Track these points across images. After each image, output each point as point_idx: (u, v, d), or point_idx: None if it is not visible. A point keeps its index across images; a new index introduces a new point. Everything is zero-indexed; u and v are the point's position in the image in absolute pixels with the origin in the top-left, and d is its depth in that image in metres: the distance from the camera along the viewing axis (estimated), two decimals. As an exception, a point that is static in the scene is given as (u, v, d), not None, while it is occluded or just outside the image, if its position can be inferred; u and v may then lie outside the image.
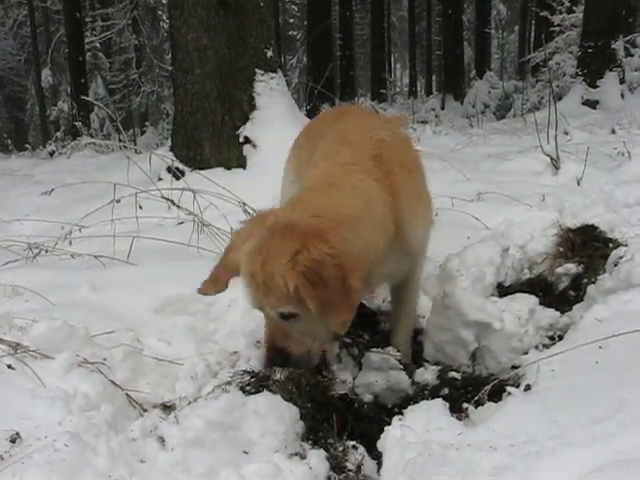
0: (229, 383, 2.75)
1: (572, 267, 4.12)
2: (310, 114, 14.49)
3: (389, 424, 2.51)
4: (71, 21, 23.54)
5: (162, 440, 2.40)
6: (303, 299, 2.51)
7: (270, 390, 2.65)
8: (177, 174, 7.24)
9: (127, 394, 2.83)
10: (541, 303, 3.60)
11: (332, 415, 2.74)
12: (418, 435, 2.33)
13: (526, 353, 3.27)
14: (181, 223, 5.45)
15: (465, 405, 2.76)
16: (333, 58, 28.35)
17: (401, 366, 3.25)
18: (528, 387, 2.50)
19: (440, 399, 2.65)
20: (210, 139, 7.49)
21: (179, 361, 3.11)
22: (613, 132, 10.37)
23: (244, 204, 5.06)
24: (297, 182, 3.51)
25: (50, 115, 29.44)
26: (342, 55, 30.14)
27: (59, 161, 13.68)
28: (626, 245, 3.94)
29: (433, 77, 42.46)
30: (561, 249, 4.35)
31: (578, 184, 6.15)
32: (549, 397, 2.31)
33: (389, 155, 2.99)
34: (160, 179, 7.30)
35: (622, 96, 16.47)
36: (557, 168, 6.54)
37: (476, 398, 2.70)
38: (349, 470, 2.48)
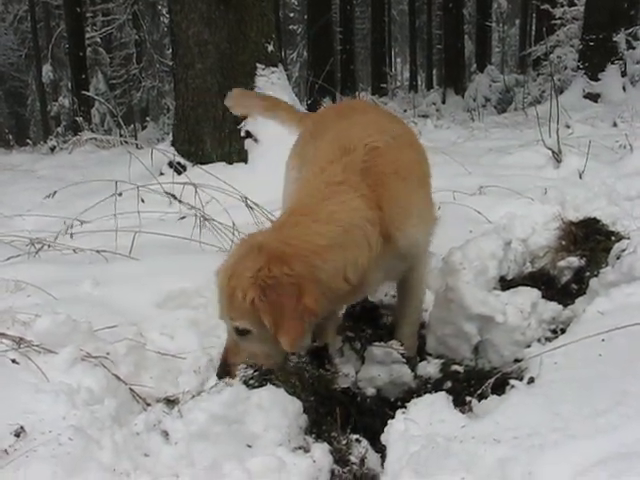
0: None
1: (574, 260, 4.12)
2: (311, 108, 14.49)
3: (392, 418, 2.51)
4: (71, 16, 23.50)
5: (166, 434, 2.40)
6: (259, 314, 2.62)
7: (273, 384, 2.65)
8: (179, 169, 7.25)
9: (130, 388, 2.84)
10: (543, 296, 3.59)
11: (335, 409, 2.75)
12: (422, 428, 2.34)
13: (529, 346, 3.27)
14: (183, 218, 5.45)
15: (468, 398, 2.76)
16: (334, 52, 28.32)
17: (404, 360, 3.25)
18: (531, 380, 2.51)
19: (443, 392, 2.65)
20: (211, 134, 7.50)
21: (182, 355, 3.12)
22: (615, 125, 10.34)
23: (246, 198, 5.05)
24: (300, 179, 3.51)
25: (51, 110, 29.41)
26: (343, 49, 30.09)
27: (60, 156, 13.67)
28: (628, 238, 3.94)
29: (434, 71, 42.37)
30: (563, 242, 4.35)
31: (580, 177, 6.14)
32: (552, 390, 2.32)
33: (380, 164, 3.00)
34: (162, 174, 7.31)
35: (624, 89, 16.41)
36: (559, 161, 6.53)
37: (479, 391, 2.70)
38: (353, 463, 2.49)
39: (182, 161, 7.49)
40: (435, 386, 3.16)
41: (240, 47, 7.47)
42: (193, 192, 5.29)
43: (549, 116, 7.20)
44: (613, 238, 4.21)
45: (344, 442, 2.58)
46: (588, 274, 3.97)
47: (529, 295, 3.50)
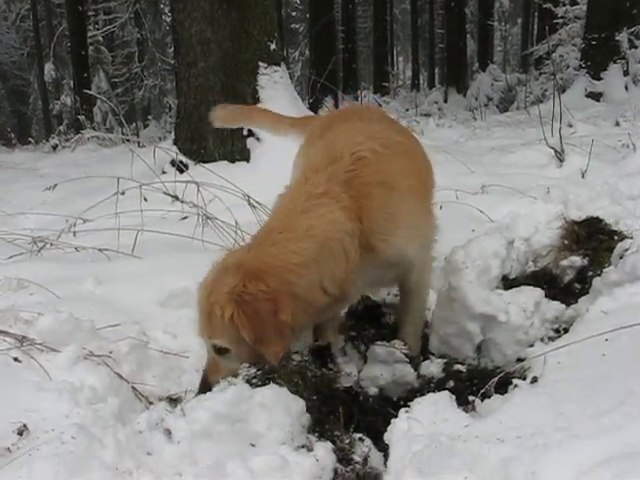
0: (235, 376, 2.75)
1: (577, 260, 4.12)
2: (313, 107, 14.50)
3: (395, 417, 2.51)
4: (73, 15, 23.50)
5: (169, 433, 2.40)
6: (237, 331, 2.65)
7: (276, 383, 2.65)
8: (181, 167, 7.24)
9: (133, 387, 2.85)
10: (546, 296, 3.59)
11: (338, 408, 2.75)
12: (425, 427, 2.33)
13: (531, 346, 3.27)
14: (185, 218, 5.45)
15: (471, 398, 2.76)
16: (336, 51, 28.28)
17: (407, 359, 3.25)
18: (535, 379, 2.50)
19: (447, 392, 2.64)
20: (214, 132, 7.47)
21: (185, 354, 3.13)
22: (617, 124, 10.32)
23: (248, 197, 5.06)
24: (286, 188, 3.51)
25: (53, 109, 29.42)
26: (345, 48, 30.08)
27: (63, 155, 13.67)
28: (631, 237, 3.95)
29: (436, 70, 42.32)
30: (566, 242, 4.35)
31: (583, 176, 6.13)
32: (556, 389, 2.31)
33: (365, 174, 2.98)
34: (164, 172, 7.31)
35: (626, 88, 16.38)
36: (561, 161, 6.52)
37: (483, 390, 2.70)
38: (356, 462, 2.48)
39: (184, 160, 7.48)
40: (438, 385, 3.15)
41: (243, 45, 7.46)
42: (195, 191, 5.29)
43: (551, 115, 7.19)
44: (616, 237, 4.21)
45: (347, 441, 2.57)
46: (591, 273, 3.97)
47: (532, 294, 3.50)
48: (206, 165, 6.54)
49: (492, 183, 5.82)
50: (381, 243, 2.96)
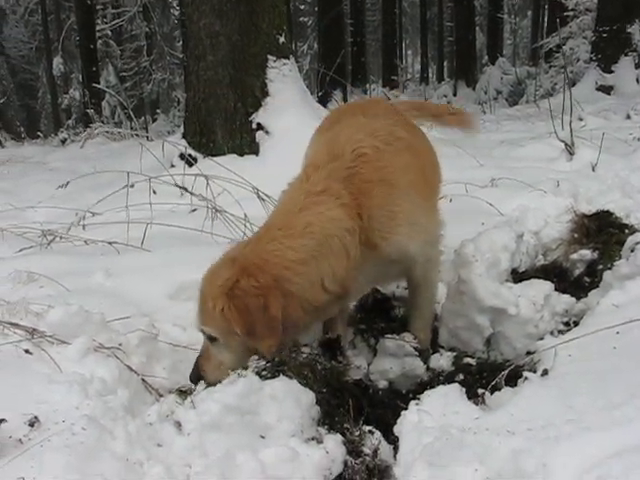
0: (245, 368, 2.76)
1: (587, 253, 4.11)
2: (321, 101, 14.47)
3: (404, 409, 2.51)
4: (82, 9, 23.53)
5: (179, 424, 2.41)
6: (227, 323, 2.70)
7: (286, 375, 2.65)
8: (190, 161, 7.24)
9: (143, 379, 2.86)
10: (556, 289, 3.59)
11: (348, 400, 2.75)
12: (435, 419, 2.33)
13: (541, 339, 3.26)
14: (194, 210, 5.46)
15: (481, 390, 2.75)
16: (344, 44, 28.23)
17: (416, 353, 3.25)
18: (545, 372, 2.50)
19: (457, 384, 2.64)
20: (222, 126, 7.48)
21: (194, 346, 3.12)
22: (628, 117, 10.26)
23: (257, 190, 5.06)
24: (287, 185, 3.51)
25: (62, 103, 29.46)
26: (353, 41, 30.02)
27: (72, 148, 13.69)
28: (642, 231, 3.93)
29: (445, 63, 42.20)
30: (576, 235, 4.33)
31: (593, 170, 6.10)
32: (566, 382, 2.31)
33: (366, 171, 2.98)
34: (173, 166, 7.30)
35: (637, 81, 16.27)
36: (572, 154, 6.48)
37: (493, 383, 2.69)
38: (365, 455, 2.48)
39: (193, 153, 7.47)
40: (447, 379, 3.16)
41: (251, 39, 7.44)
42: (204, 184, 5.29)
43: (562, 108, 7.14)
44: (626, 231, 4.19)
45: (357, 433, 2.57)
46: (601, 267, 3.96)
47: (542, 287, 3.50)
48: (215, 158, 6.53)
49: (502, 176, 5.81)
50: (382, 240, 2.96)
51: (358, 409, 2.78)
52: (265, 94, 7.52)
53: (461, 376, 3.17)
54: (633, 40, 16.42)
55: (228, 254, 2.89)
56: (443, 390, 2.55)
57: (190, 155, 7.39)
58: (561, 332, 3.36)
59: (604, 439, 1.88)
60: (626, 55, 16.42)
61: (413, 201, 3.09)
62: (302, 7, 43.66)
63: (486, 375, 3.09)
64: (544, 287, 3.51)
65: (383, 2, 34.59)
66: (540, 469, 1.86)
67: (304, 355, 2.96)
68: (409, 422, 2.38)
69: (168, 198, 5.55)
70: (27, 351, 2.76)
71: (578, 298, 3.62)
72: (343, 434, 2.53)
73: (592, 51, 17.38)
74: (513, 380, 2.66)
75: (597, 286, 3.64)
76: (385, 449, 2.55)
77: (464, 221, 4.51)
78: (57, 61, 27.62)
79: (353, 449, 2.49)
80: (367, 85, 25.45)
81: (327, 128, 3.65)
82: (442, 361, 3.28)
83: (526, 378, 2.49)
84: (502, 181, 5.73)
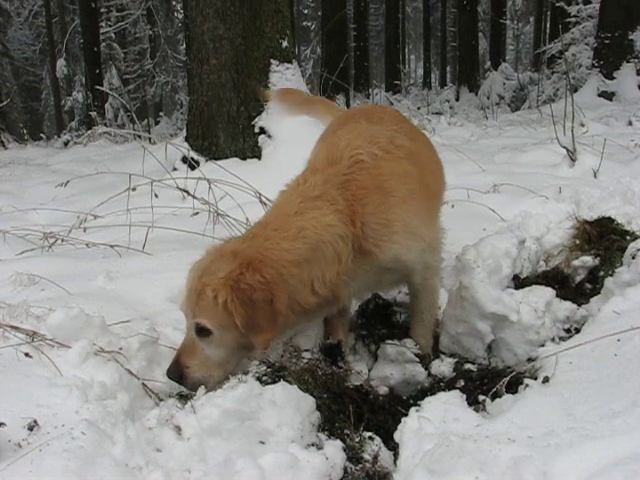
0: (246, 373, 2.75)
1: (588, 260, 4.11)
2: (324, 105, 14.41)
3: (405, 416, 2.51)
4: (86, 11, 23.57)
5: (178, 429, 2.40)
6: (227, 315, 2.68)
7: (287, 380, 2.65)
8: (192, 164, 7.24)
9: (143, 383, 2.84)
10: (557, 295, 3.59)
11: (348, 406, 2.75)
12: (435, 426, 2.33)
13: (543, 345, 3.26)
14: (196, 214, 5.45)
15: (482, 397, 2.75)
16: (347, 49, 28.25)
17: (417, 359, 3.25)
18: (546, 379, 2.50)
19: (457, 391, 2.64)
20: (225, 129, 7.48)
21: (195, 350, 3.11)
22: (630, 124, 10.27)
23: (259, 194, 5.05)
24: (285, 186, 3.51)
25: (65, 105, 29.49)
26: (356, 46, 30.05)
27: (74, 151, 13.72)
28: (644, 238, 3.92)
29: (447, 68, 42.29)
30: (577, 241, 4.33)
31: (595, 176, 6.10)
32: (567, 389, 2.31)
33: (362, 178, 2.99)
34: (175, 169, 7.31)
35: (639, 87, 16.31)
36: (573, 160, 6.48)
37: (494, 390, 2.69)
38: (365, 461, 2.48)
39: (195, 156, 7.48)
40: (448, 385, 3.15)
41: (255, 43, 7.45)
42: (206, 187, 5.28)
43: (564, 114, 7.14)
44: (628, 237, 4.19)
45: (357, 440, 2.57)
46: (602, 273, 3.95)
47: (543, 294, 3.49)
48: (217, 162, 6.53)
49: (504, 182, 5.80)
50: (375, 248, 2.96)
51: (358, 415, 2.77)
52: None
53: (462, 382, 3.16)
54: (635, 47, 16.45)
55: (223, 248, 2.89)
56: (444, 397, 2.55)
57: (192, 158, 7.40)
58: (562, 339, 3.36)
59: (605, 447, 1.88)
60: (628, 62, 16.46)
61: (410, 209, 3.08)
62: (305, 11, 43.77)
63: (487, 382, 3.09)
64: (545, 293, 3.50)
65: (386, 7, 34.71)
66: (541, 477, 1.86)
67: (305, 360, 2.97)
68: (409, 428, 2.37)
69: (170, 201, 5.55)
70: (27, 354, 2.75)
71: (579, 305, 3.62)
72: (343, 440, 2.53)
73: (594, 57, 17.41)
74: (514, 387, 2.66)
75: (598, 293, 3.64)
76: (385, 455, 2.54)
77: (466, 227, 4.51)
78: (61, 63, 27.64)
79: (353, 455, 2.49)
80: (370, 90, 25.47)
81: (332, 132, 3.65)
82: (443, 367, 3.27)
83: (527, 385, 2.49)
84: (504, 187, 5.72)
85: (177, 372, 2.82)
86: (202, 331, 2.78)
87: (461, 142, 9.89)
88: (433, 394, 2.67)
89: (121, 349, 2.89)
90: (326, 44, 27.62)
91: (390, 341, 3.32)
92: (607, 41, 16.62)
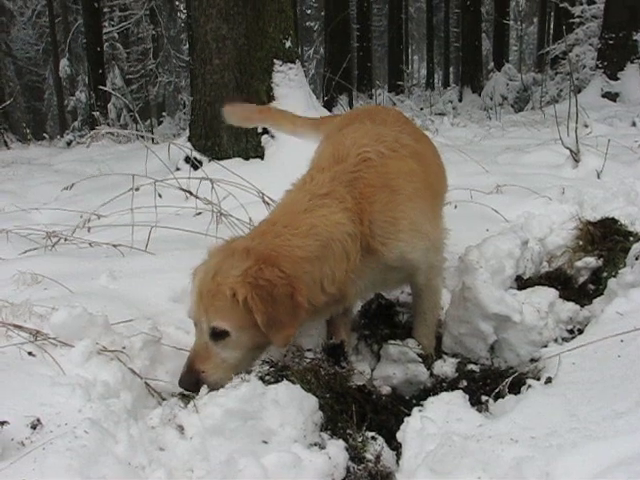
0: (249, 372, 2.75)
1: (592, 261, 4.10)
2: (327, 105, 14.47)
3: (407, 416, 2.50)
4: (89, 11, 23.59)
5: (181, 428, 2.40)
6: (245, 314, 2.63)
7: (289, 380, 2.65)
8: (195, 164, 7.24)
9: (146, 382, 2.84)
10: (560, 296, 3.58)
11: (351, 406, 2.75)
12: (438, 426, 2.32)
13: (545, 346, 3.25)
14: (199, 214, 5.45)
15: (484, 397, 2.75)
16: (350, 49, 28.28)
17: (419, 359, 3.25)
18: (549, 380, 2.49)
19: (460, 391, 2.64)
20: (228, 129, 7.48)
21: (198, 350, 3.11)
22: (634, 125, 10.26)
23: (262, 194, 5.05)
24: (292, 185, 3.51)
25: (68, 105, 29.49)
26: (359, 46, 30.05)
27: (77, 150, 13.74)
28: (647, 239, 3.92)
29: (451, 69, 42.28)
30: (581, 242, 4.33)
31: (598, 177, 6.10)
32: (570, 390, 2.30)
33: (369, 176, 2.99)
34: (178, 169, 7.31)
35: (643, 88, 16.29)
36: (577, 161, 6.48)
37: (497, 390, 2.69)
38: (368, 461, 2.48)
39: (198, 156, 7.49)
40: (451, 385, 3.15)
41: (258, 43, 7.45)
42: (209, 187, 5.29)
43: (567, 115, 7.14)
44: (631, 238, 4.19)
45: (360, 439, 2.57)
46: (605, 274, 3.95)
47: (546, 295, 3.49)
48: (220, 162, 6.53)
49: (507, 183, 5.80)
50: (382, 246, 2.96)
51: (361, 415, 2.77)
52: (271, 98, 7.53)
53: (464, 383, 3.16)
54: (639, 47, 16.40)
55: (232, 246, 2.85)
56: (446, 397, 2.54)
57: (195, 158, 7.40)
58: (565, 340, 3.36)
59: (608, 448, 1.88)
60: (632, 62, 16.43)
61: (416, 208, 3.09)
62: (309, 12, 43.79)
63: (490, 382, 3.09)
64: (548, 294, 3.50)
65: (389, 7, 34.73)
66: (543, 478, 1.86)
67: (307, 360, 2.96)
68: (412, 428, 2.37)
69: (173, 201, 5.55)
70: (30, 353, 2.76)
71: (582, 306, 3.61)
72: (346, 440, 2.53)
73: (598, 58, 17.39)
74: (516, 387, 2.65)
75: (601, 294, 3.63)
76: (388, 455, 2.54)
77: (469, 227, 4.51)
78: (64, 63, 27.65)
79: (356, 455, 2.49)
80: (373, 90, 25.46)
81: (335, 133, 3.66)
82: (445, 367, 3.27)
83: (530, 386, 2.48)
84: (507, 187, 5.72)
85: (192, 379, 2.73)
86: (219, 334, 2.72)
87: (464, 143, 9.89)
88: (436, 394, 2.66)
89: (124, 348, 2.90)
90: (329, 44, 27.64)
91: (393, 341, 3.32)
92: (611, 42, 16.60)
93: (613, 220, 4.44)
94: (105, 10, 26.94)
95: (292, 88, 7.63)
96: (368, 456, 2.50)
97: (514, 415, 2.22)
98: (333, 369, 2.96)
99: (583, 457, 1.88)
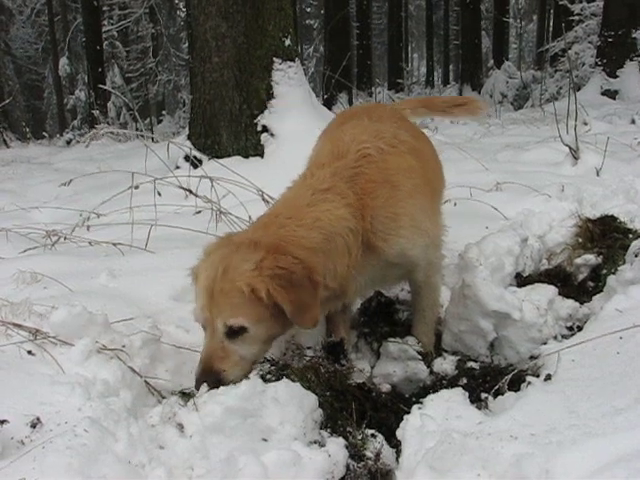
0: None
1: (591, 258, 4.10)
2: (327, 103, 14.47)
3: (407, 413, 2.50)
4: (88, 9, 23.60)
5: (181, 427, 2.40)
6: (264, 308, 2.59)
7: (289, 378, 2.65)
8: (195, 162, 7.25)
9: (146, 381, 2.85)
10: (560, 294, 3.58)
11: (350, 404, 2.75)
12: (438, 424, 2.33)
13: (545, 343, 3.25)
14: (199, 212, 5.46)
15: (484, 395, 2.75)
16: (350, 47, 28.27)
17: (419, 356, 3.24)
18: (548, 377, 2.49)
19: (460, 388, 2.64)
20: (228, 127, 7.49)
21: (197, 348, 3.11)
22: (633, 122, 10.27)
23: (262, 192, 5.05)
24: (292, 181, 3.51)
25: (67, 104, 29.53)
26: (359, 44, 30.05)
27: (77, 149, 13.74)
28: (647, 236, 3.92)
29: (450, 67, 42.25)
30: (580, 240, 4.33)
31: (597, 174, 6.10)
32: (570, 387, 2.30)
33: (370, 172, 2.99)
34: (178, 167, 7.31)
35: (642, 86, 16.29)
36: (576, 158, 6.48)
37: (496, 387, 2.69)
38: (368, 458, 2.48)
39: (198, 155, 7.49)
40: (450, 382, 3.15)
41: (257, 41, 7.45)
42: (209, 186, 5.29)
43: (567, 113, 7.14)
44: (631, 236, 4.19)
45: (359, 437, 2.57)
46: (605, 272, 3.95)
47: (545, 292, 3.49)
48: (220, 160, 6.54)
49: (506, 180, 5.80)
50: (382, 242, 2.96)
51: (361, 413, 2.77)
52: (270, 96, 7.53)
53: (464, 380, 3.16)
54: (638, 45, 16.40)
55: (230, 241, 2.82)
56: (446, 394, 2.55)
57: (195, 157, 7.41)
58: (565, 337, 3.35)
59: (607, 444, 1.88)
60: (631, 60, 16.44)
61: (415, 204, 3.09)
62: (308, 10, 43.76)
63: (489, 379, 3.09)
64: (548, 291, 3.50)
65: (389, 5, 34.72)
66: (543, 475, 1.86)
67: (307, 358, 2.97)
68: (412, 426, 2.37)
69: (173, 199, 5.55)
70: (30, 352, 2.76)
71: (582, 303, 3.61)
72: (346, 437, 2.53)
73: (597, 56, 17.40)
74: (516, 385, 2.66)
75: (601, 291, 3.64)
76: (387, 453, 2.54)
77: (468, 225, 4.51)
78: (63, 62, 27.68)
79: (355, 453, 2.48)
80: (372, 88, 25.46)
81: (332, 130, 3.66)
82: (445, 365, 3.27)
83: (529, 383, 2.48)
84: (507, 185, 5.73)
85: (214, 380, 2.64)
86: (236, 331, 2.66)
87: (464, 140, 9.89)
88: (435, 392, 2.66)
89: (124, 347, 2.90)
90: (329, 42, 27.64)
91: (392, 339, 3.32)
92: (610, 39, 16.60)
93: (612, 217, 4.44)
94: (104, 8, 26.95)
95: (292, 86, 7.63)
96: (368, 454, 2.50)
97: (514, 412, 2.22)
98: (333, 367, 2.96)
99: (582, 454, 1.87)
